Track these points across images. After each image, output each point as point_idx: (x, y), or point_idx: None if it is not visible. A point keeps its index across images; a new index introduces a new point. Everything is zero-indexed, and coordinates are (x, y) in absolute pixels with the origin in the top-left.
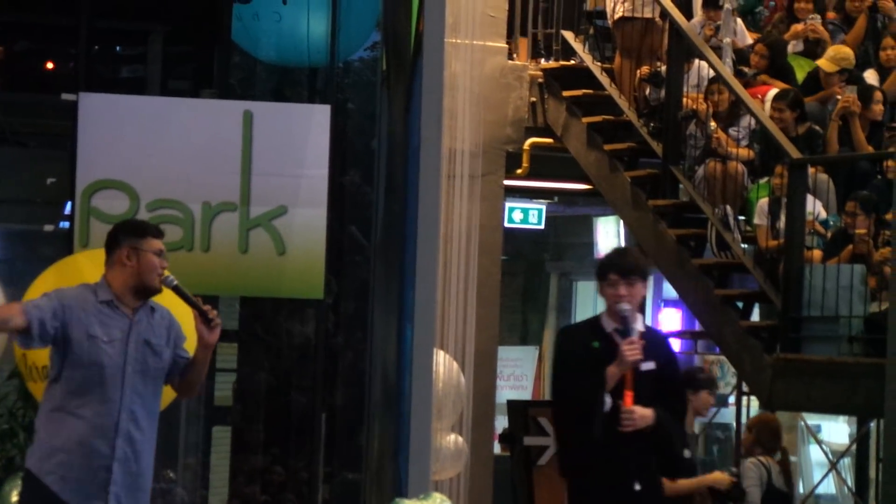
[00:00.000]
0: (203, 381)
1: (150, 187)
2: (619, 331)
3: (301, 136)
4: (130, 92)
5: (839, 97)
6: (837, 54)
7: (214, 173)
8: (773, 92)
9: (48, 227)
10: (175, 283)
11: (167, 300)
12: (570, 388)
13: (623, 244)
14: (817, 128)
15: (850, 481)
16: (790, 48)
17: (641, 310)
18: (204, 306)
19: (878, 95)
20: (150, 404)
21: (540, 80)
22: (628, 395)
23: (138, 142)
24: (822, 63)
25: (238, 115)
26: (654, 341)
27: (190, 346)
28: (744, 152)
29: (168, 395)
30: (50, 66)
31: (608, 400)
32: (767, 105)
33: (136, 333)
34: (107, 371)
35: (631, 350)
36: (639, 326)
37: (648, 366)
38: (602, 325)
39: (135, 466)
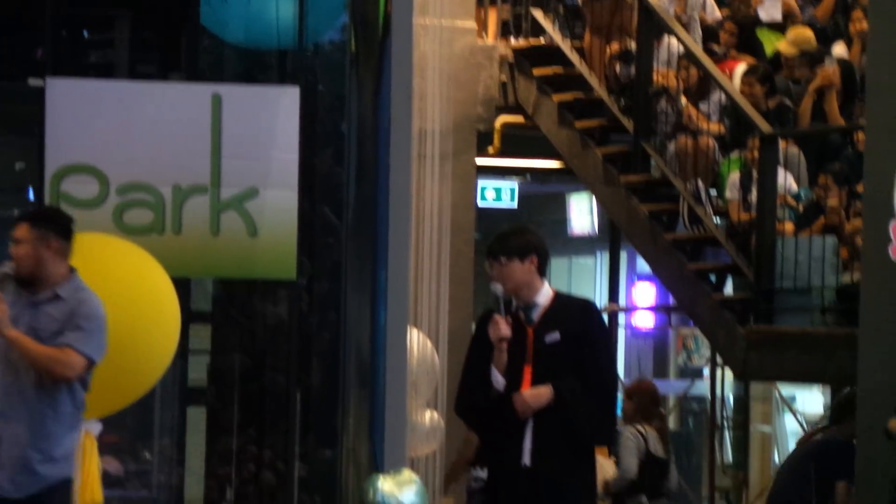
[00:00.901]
0: (41, 365)
1: (119, 171)
2: (520, 308)
3: (270, 118)
4: (98, 76)
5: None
6: (798, 38)
7: (184, 156)
8: (742, 67)
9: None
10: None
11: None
12: (467, 367)
13: (596, 220)
14: (788, 102)
15: None
16: (764, 15)
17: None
18: None
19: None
20: (21, 385)
21: (510, 58)
22: (527, 371)
23: (107, 126)
24: (782, 46)
25: (207, 99)
26: (565, 312)
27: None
28: (714, 127)
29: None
30: (16, 51)
31: (499, 378)
32: (737, 80)
33: (27, 317)
34: None
35: (494, 328)
36: (542, 300)
37: (553, 337)
38: (511, 304)
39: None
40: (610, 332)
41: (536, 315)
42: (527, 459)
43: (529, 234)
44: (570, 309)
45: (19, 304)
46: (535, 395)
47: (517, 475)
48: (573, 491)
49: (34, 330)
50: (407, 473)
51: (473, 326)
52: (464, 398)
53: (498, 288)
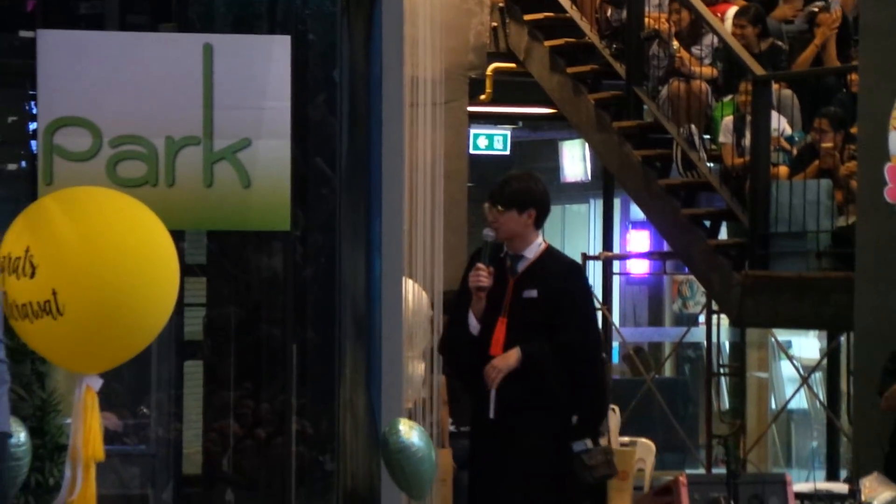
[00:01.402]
0: None
1: (112, 123)
2: (509, 256)
3: (262, 67)
4: (89, 28)
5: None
6: None
7: (176, 108)
8: (733, 9)
9: (11, 167)
10: None
11: None
12: (450, 307)
13: (589, 167)
14: (780, 43)
15: (821, 395)
16: None
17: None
18: None
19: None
20: None
21: (501, 4)
22: (501, 323)
23: (99, 78)
24: None
25: (198, 49)
26: (548, 269)
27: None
28: (707, 71)
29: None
30: (7, 4)
31: (474, 322)
32: (728, 23)
33: None
34: None
35: (474, 276)
36: (530, 254)
37: (530, 293)
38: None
39: None
40: (592, 297)
41: (521, 267)
42: (491, 413)
43: (534, 184)
44: (555, 267)
45: None
46: (503, 360)
47: (485, 427)
48: (536, 448)
49: None
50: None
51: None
52: (444, 338)
53: (490, 233)
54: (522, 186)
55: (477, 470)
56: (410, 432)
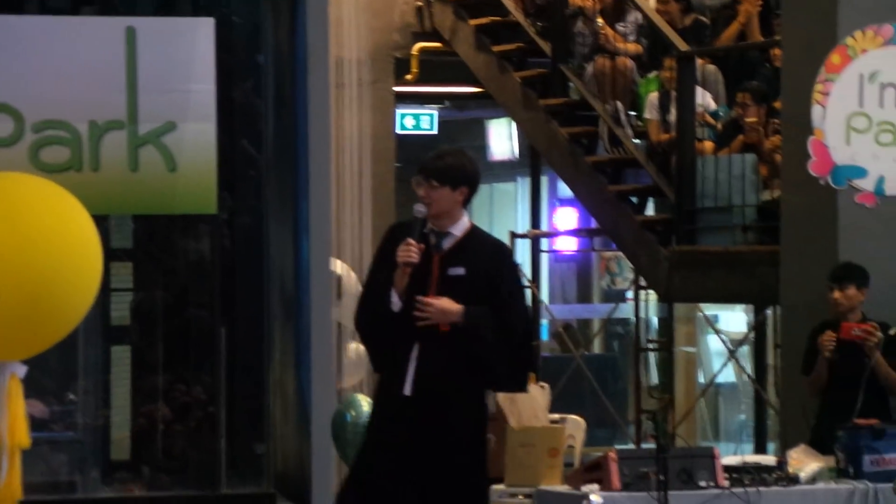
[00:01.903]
0: None
1: (34, 109)
2: (434, 232)
3: (186, 50)
4: (8, 12)
5: None
6: None
7: (100, 92)
8: None
9: None
10: None
11: None
12: (366, 284)
13: (516, 145)
14: (703, 18)
15: (748, 369)
16: None
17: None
18: None
19: None
20: None
21: None
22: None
23: (20, 63)
24: None
25: (120, 32)
26: (475, 247)
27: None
28: (632, 47)
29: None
30: None
31: (396, 300)
32: (652, 0)
33: None
34: None
35: (403, 251)
36: (457, 231)
37: (457, 271)
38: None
39: None
40: (521, 277)
41: (447, 245)
42: (408, 389)
43: (467, 161)
44: (482, 246)
45: None
46: (443, 308)
47: (399, 405)
48: (454, 425)
49: None
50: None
51: None
52: (361, 313)
53: (421, 209)
54: (457, 162)
55: (378, 453)
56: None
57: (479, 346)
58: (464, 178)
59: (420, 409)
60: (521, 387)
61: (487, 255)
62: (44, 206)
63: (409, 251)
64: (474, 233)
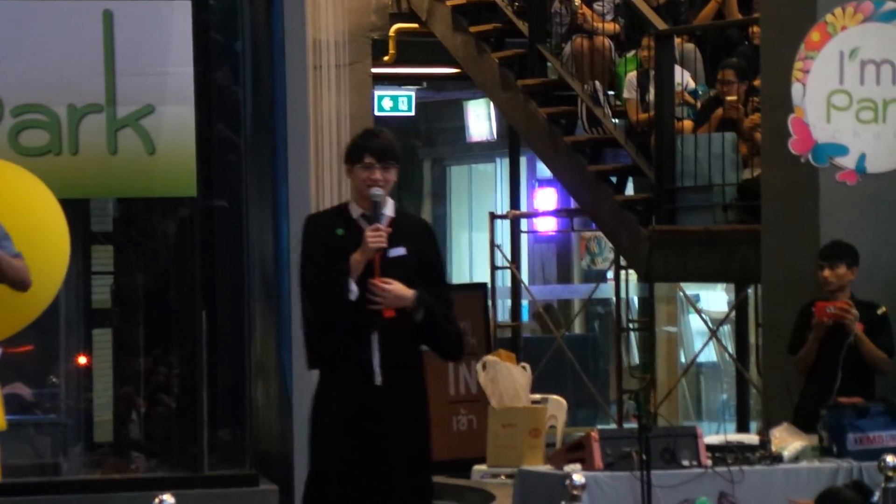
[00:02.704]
0: (15, 276)
1: (13, 93)
2: (366, 216)
3: (163, 33)
4: None
5: None
6: None
7: (78, 75)
8: None
9: None
10: None
11: None
12: (314, 276)
13: (494, 126)
14: None
15: (730, 348)
16: None
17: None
18: None
19: None
20: None
21: None
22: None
23: None
24: None
25: (98, 15)
26: (408, 226)
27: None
28: (609, 27)
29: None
30: None
31: (354, 288)
32: None
33: None
34: None
35: (374, 236)
36: (389, 212)
37: (398, 252)
38: (349, 212)
39: None
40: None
41: (384, 223)
42: (378, 379)
43: (395, 139)
44: (412, 224)
45: None
46: (399, 292)
47: (366, 395)
48: (421, 406)
49: None
50: None
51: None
52: (315, 306)
53: (379, 192)
54: (394, 141)
55: (351, 443)
56: None
57: (435, 327)
58: (399, 154)
59: (389, 397)
60: (462, 355)
61: (419, 232)
62: (8, 190)
63: (380, 236)
64: (401, 211)
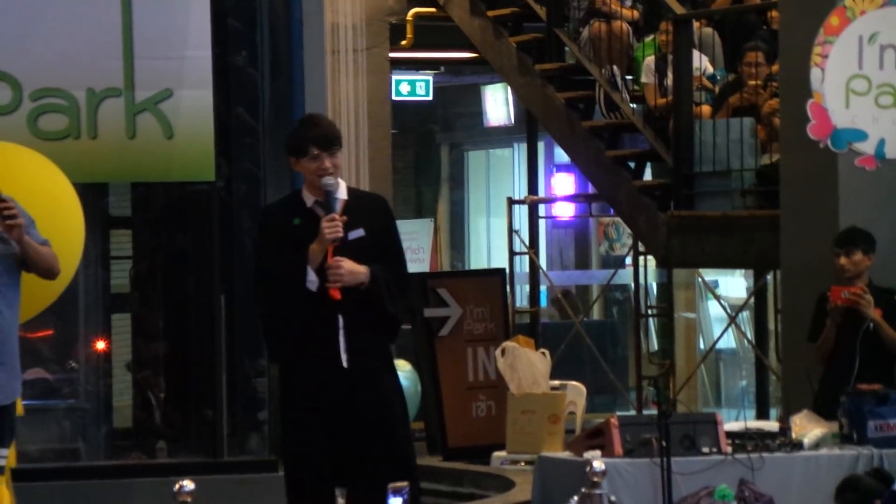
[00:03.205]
0: (48, 264)
1: (32, 76)
2: (320, 205)
3: (181, 17)
4: None
5: None
6: None
7: (97, 59)
8: None
9: None
10: None
11: None
12: (273, 268)
13: (512, 111)
14: None
15: (749, 334)
16: None
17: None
18: (3, 203)
19: None
20: (8, 291)
21: None
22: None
23: (17, 31)
24: None
25: (117, 0)
26: (364, 205)
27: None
28: (628, 13)
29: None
30: None
31: (314, 278)
32: None
33: None
34: None
35: (331, 227)
36: (342, 195)
37: (357, 234)
38: (303, 200)
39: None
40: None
41: (339, 210)
42: (345, 361)
43: (334, 123)
44: (367, 202)
45: None
46: (352, 269)
47: (335, 378)
48: (390, 387)
49: None
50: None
51: (439, 221)
52: (275, 298)
53: (331, 181)
54: (333, 125)
55: (323, 425)
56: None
57: (386, 302)
58: (340, 137)
59: (357, 378)
60: (392, 340)
61: (375, 210)
62: (25, 174)
63: (336, 226)
64: (354, 192)
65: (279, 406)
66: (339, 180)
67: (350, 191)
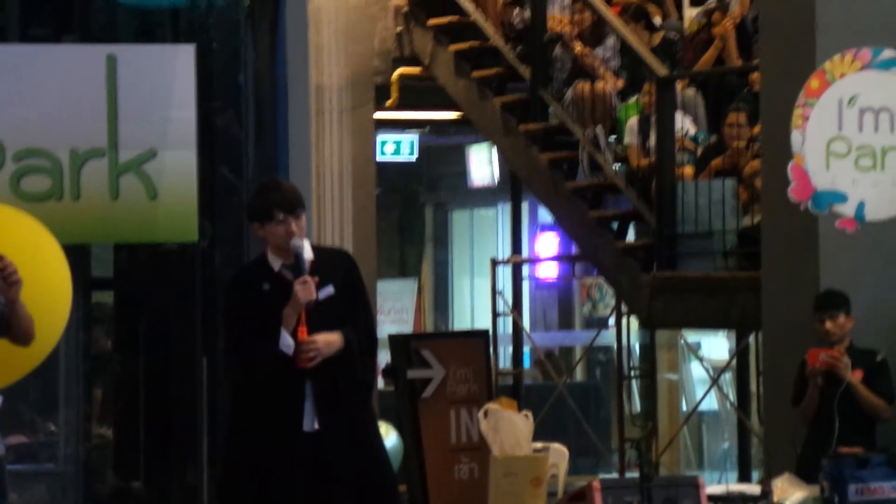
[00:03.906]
0: (28, 330)
1: (15, 137)
2: (289, 268)
3: (166, 77)
4: None
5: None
6: None
7: (81, 120)
8: None
9: None
10: None
11: None
12: (246, 337)
13: (496, 171)
14: (670, 35)
15: (731, 396)
16: None
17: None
18: (2, 262)
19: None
20: None
21: (405, 9)
22: (302, 331)
23: (1, 92)
24: None
25: (101, 60)
26: (330, 262)
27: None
28: (611, 78)
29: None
30: None
31: (290, 342)
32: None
33: None
34: None
35: (304, 290)
36: (308, 255)
37: (327, 291)
38: (270, 265)
39: None
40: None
41: (307, 270)
42: (311, 424)
43: (294, 185)
44: (333, 259)
45: None
46: (327, 341)
47: (297, 442)
48: (370, 454)
49: None
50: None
51: (423, 281)
52: (253, 364)
53: (298, 243)
54: (294, 187)
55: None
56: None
57: (357, 369)
58: (302, 198)
59: (327, 441)
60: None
61: (342, 266)
62: (11, 237)
63: (310, 288)
64: (318, 249)
65: (225, 460)
66: (305, 240)
67: (314, 248)
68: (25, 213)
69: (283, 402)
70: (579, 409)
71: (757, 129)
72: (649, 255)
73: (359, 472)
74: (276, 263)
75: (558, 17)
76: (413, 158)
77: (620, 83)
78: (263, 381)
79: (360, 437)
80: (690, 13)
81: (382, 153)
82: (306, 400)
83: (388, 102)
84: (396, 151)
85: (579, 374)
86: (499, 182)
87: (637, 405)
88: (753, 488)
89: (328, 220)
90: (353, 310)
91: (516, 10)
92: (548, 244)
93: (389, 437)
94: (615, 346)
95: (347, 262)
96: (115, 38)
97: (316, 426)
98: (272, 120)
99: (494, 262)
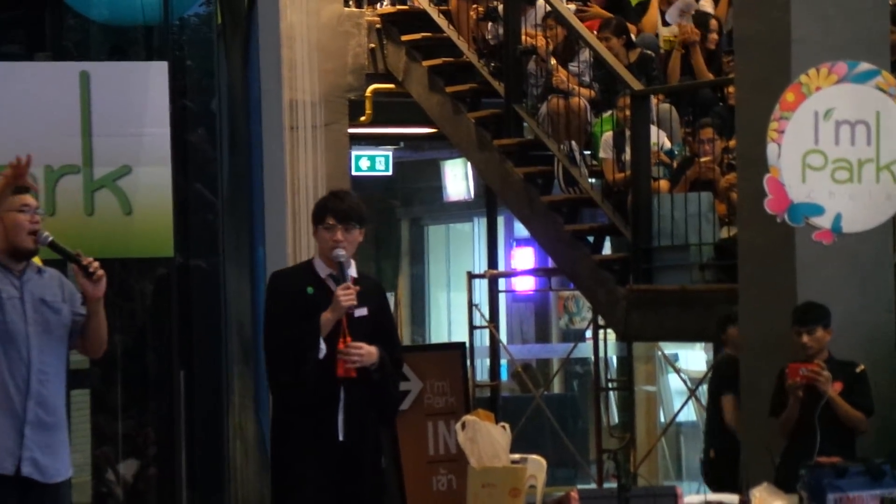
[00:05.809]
0: (105, 337)
1: None
2: (333, 276)
3: (140, 94)
4: None
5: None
6: None
7: (55, 137)
8: None
9: None
10: (50, 239)
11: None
12: (283, 334)
13: (471, 186)
14: (649, 52)
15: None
16: None
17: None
18: (84, 259)
19: (714, 24)
20: (58, 365)
21: (378, 25)
22: (342, 344)
23: None
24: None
25: (75, 77)
26: (368, 287)
27: None
28: (585, 92)
29: None
30: None
31: (323, 346)
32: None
33: (29, 292)
34: (11, 328)
35: (346, 296)
36: (352, 272)
37: (361, 312)
38: (316, 270)
39: (48, 430)
40: None
41: (349, 280)
42: (341, 434)
43: (360, 200)
44: (370, 286)
45: (7, 278)
46: (369, 350)
47: (330, 451)
48: (380, 461)
49: (46, 303)
50: None
51: (399, 295)
52: (290, 366)
53: (342, 254)
54: (357, 202)
55: (318, 497)
56: None
57: (387, 384)
58: (365, 217)
59: (352, 452)
60: (392, 422)
61: (375, 292)
62: None
63: (351, 295)
64: (359, 273)
65: (272, 464)
66: (351, 260)
67: (358, 272)
68: None
69: (316, 407)
70: (557, 420)
71: (733, 142)
72: (625, 268)
73: (371, 486)
74: (322, 270)
75: (531, 32)
76: (388, 173)
77: (593, 93)
78: (304, 385)
79: (376, 453)
80: (664, 32)
81: (357, 168)
82: (338, 410)
83: (363, 118)
84: (371, 167)
85: (556, 386)
86: (474, 196)
87: (615, 417)
88: (732, 498)
89: (302, 235)
90: (384, 333)
91: (489, 26)
92: (524, 258)
93: None
94: (592, 359)
95: (380, 291)
96: (89, 56)
97: (341, 437)
98: (246, 136)
99: (471, 276)
